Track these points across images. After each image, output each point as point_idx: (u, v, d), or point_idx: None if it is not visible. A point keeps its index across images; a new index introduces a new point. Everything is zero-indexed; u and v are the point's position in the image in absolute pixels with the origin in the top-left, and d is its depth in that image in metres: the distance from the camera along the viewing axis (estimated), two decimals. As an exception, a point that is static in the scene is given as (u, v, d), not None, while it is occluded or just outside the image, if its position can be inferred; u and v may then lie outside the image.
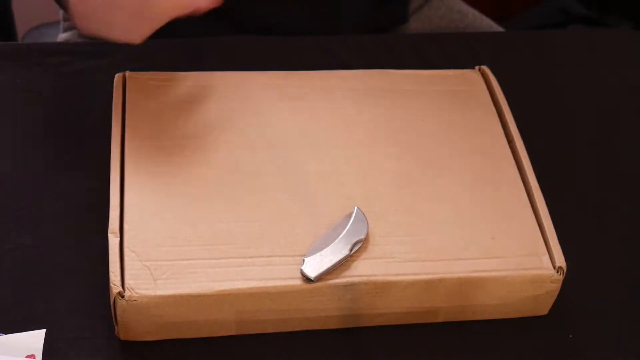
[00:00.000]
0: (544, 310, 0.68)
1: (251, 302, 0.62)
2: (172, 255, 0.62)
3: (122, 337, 0.63)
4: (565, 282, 0.66)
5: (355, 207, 0.66)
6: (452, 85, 0.79)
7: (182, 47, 0.86)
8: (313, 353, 0.64)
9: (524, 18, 1.26)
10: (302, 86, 0.76)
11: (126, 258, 0.62)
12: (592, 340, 0.67)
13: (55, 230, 0.69)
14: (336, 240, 0.64)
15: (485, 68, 0.80)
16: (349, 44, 0.89)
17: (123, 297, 0.60)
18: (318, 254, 0.63)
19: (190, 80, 0.75)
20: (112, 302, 0.61)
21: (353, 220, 0.65)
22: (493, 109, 0.77)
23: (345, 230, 0.64)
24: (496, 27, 1.08)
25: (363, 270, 0.63)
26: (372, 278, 0.63)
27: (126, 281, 0.61)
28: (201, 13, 0.69)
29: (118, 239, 0.63)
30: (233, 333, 0.64)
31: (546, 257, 0.66)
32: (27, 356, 0.61)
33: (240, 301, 0.62)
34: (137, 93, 0.73)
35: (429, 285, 0.64)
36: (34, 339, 0.61)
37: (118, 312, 0.61)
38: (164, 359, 0.63)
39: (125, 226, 0.64)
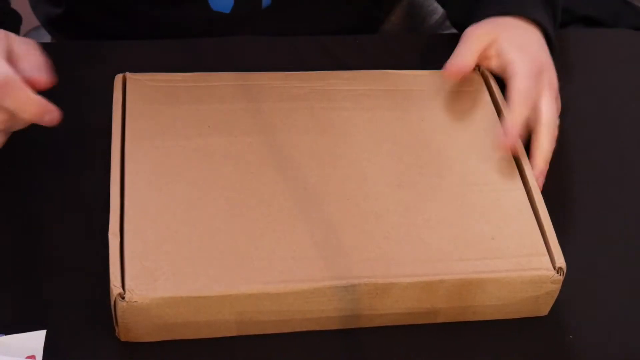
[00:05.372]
0: (544, 311, 0.68)
1: (251, 303, 0.62)
2: (172, 256, 0.62)
3: (122, 338, 0.63)
4: (565, 283, 0.66)
5: None
6: (452, 86, 0.79)
7: (182, 47, 0.86)
8: (313, 354, 0.64)
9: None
10: (302, 86, 0.76)
11: (126, 259, 0.62)
12: (592, 341, 0.67)
13: (55, 231, 0.69)
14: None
15: (484, 68, 0.80)
16: (349, 44, 0.89)
17: (123, 298, 0.60)
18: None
19: (190, 81, 0.75)
20: (112, 303, 0.61)
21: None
22: (492, 109, 0.77)
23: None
24: None
25: (363, 271, 0.63)
26: (372, 279, 0.63)
27: (127, 282, 0.61)
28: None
29: (118, 240, 0.63)
30: (233, 334, 0.64)
31: (546, 258, 0.66)
32: (28, 357, 0.61)
33: (240, 302, 0.62)
34: (137, 94, 0.73)
35: (429, 286, 0.64)
36: (35, 340, 0.61)
37: (118, 314, 0.61)
38: (164, 359, 0.63)
39: (126, 227, 0.64)
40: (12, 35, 0.71)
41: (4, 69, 0.66)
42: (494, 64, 0.79)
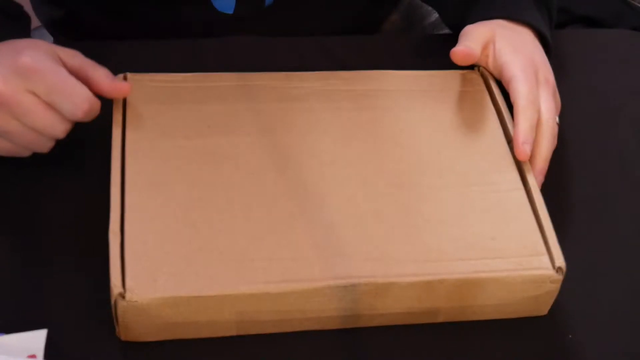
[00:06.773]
0: (544, 311, 0.68)
1: (251, 303, 0.62)
2: (172, 256, 0.62)
3: (123, 338, 0.63)
4: (564, 283, 0.66)
5: None
6: (452, 86, 0.79)
7: (182, 47, 0.86)
8: (313, 354, 0.64)
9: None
10: (302, 87, 0.76)
11: (127, 259, 0.62)
12: (592, 340, 0.67)
13: (55, 230, 0.69)
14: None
15: (484, 68, 0.80)
16: (349, 44, 0.89)
17: (124, 298, 0.60)
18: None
19: (190, 81, 0.75)
20: (113, 303, 0.61)
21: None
22: (492, 109, 0.77)
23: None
24: None
25: (363, 271, 0.63)
26: (372, 279, 0.63)
27: (127, 282, 0.61)
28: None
29: (119, 240, 0.63)
30: (233, 333, 0.64)
31: (546, 258, 0.66)
32: (29, 356, 0.61)
33: (240, 302, 0.62)
34: (138, 94, 0.73)
35: (429, 286, 0.64)
36: (36, 339, 0.61)
37: (119, 313, 0.61)
38: (165, 359, 0.63)
39: (126, 227, 0.64)
40: (57, 48, 0.71)
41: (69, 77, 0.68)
42: (489, 64, 0.80)
